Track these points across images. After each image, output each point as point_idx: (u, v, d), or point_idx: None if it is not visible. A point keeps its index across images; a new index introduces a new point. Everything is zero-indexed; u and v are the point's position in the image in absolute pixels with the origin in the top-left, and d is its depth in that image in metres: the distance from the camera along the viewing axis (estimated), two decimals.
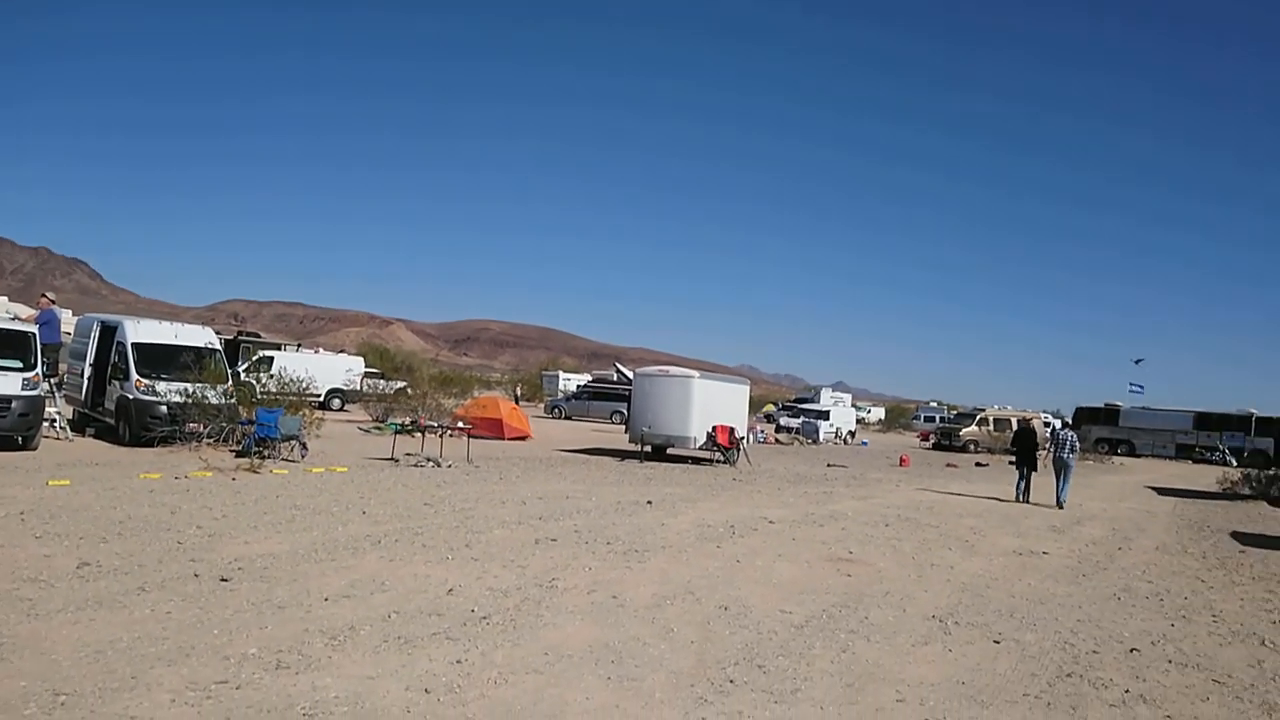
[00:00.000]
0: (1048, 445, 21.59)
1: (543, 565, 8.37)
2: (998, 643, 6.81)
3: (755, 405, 52.40)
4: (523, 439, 26.10)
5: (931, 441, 44.73)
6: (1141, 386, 50.44)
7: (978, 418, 43.11)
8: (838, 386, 78.60)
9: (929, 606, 7.89)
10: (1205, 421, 47.06)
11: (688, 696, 5.16)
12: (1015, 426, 26.13)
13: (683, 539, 10.50)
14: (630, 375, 31.32)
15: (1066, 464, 18.23)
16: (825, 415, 43.44)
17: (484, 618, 6.43)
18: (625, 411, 29.01)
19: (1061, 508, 17.55)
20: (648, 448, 22.60)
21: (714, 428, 22.06)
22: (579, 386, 50.37)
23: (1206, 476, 30.22)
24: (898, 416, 74.67)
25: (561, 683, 5.23)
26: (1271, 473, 26.78)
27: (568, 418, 43.56)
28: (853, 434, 45.43)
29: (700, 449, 22.25)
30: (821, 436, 39.95)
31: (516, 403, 38.96)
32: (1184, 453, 46.53)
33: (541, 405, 52.34)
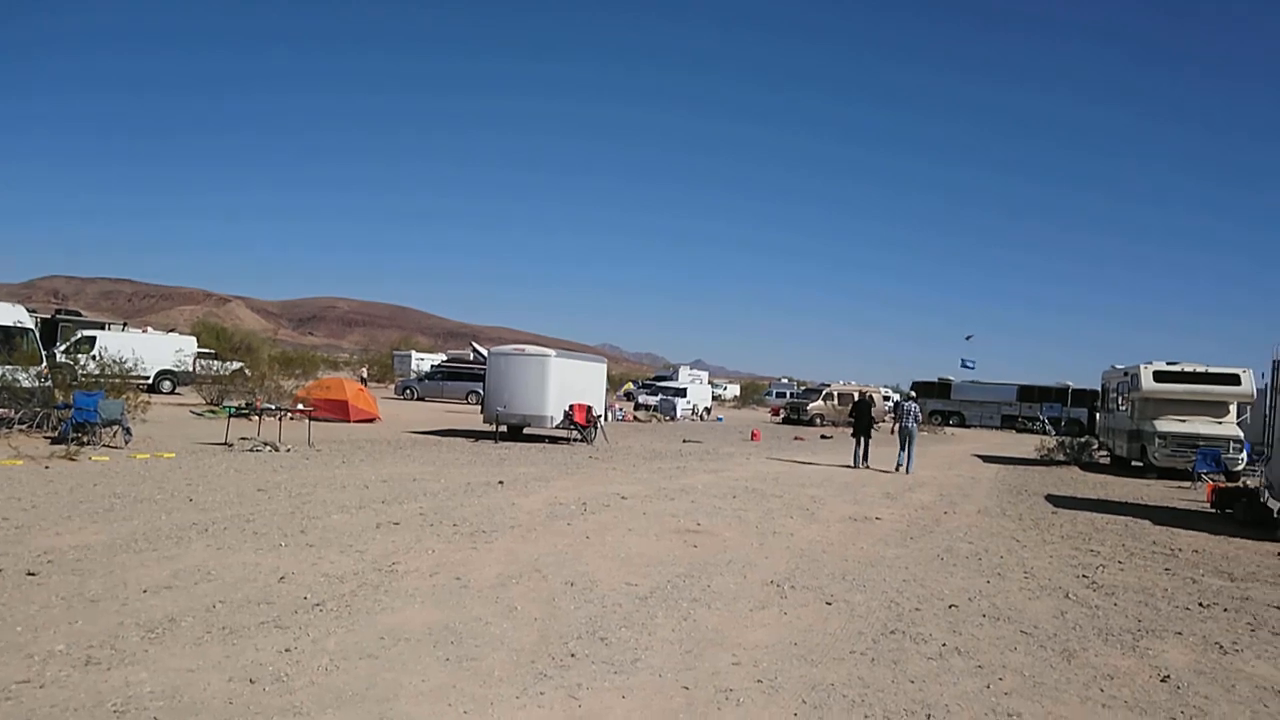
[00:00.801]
0: (889, 416, 22.82)
1: (383, 549, 8.14)
2: (830, 604, 7.12)
3: (615, 383, 52.86)
4: (370, 421, 25.33)
5: (781, 416, 46.40)
6: (973, 362, 53.87)
7: (824, 393, 44.98)
8: (696, 365, 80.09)
9: (768, 572, 8.16)
10: (1028, 394, 50.96)
11: (528, 673, 5.14)
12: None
13: (533, 518, 10.45)
14: (486, 354, 30.89)
15: (911, 433, 19.33)
16: (683, 393, 44.28)
17: (317, 604, 6.19)
18: (481, 392, 28.61)
19: (909, 473, 18.59)
20: (503, 428, 22.39)
21: (571, 406, 22.07)
22: (433, 366, 49.28)
23: (1027, 444, 32.60)
24: (752, 393, 77.16)
25: (397, 666, 5.11)
26: (1084, 440, 29.26)
27: (420, 399, 42.57)
28: (709, 410, 46.53)
29: (557, 428, 22.22)
30: (679, 413, 40.68)
31: (364, 384, 37.75)
32: (1009, 423, 50.25)
33: (392, 386, 50.95)
